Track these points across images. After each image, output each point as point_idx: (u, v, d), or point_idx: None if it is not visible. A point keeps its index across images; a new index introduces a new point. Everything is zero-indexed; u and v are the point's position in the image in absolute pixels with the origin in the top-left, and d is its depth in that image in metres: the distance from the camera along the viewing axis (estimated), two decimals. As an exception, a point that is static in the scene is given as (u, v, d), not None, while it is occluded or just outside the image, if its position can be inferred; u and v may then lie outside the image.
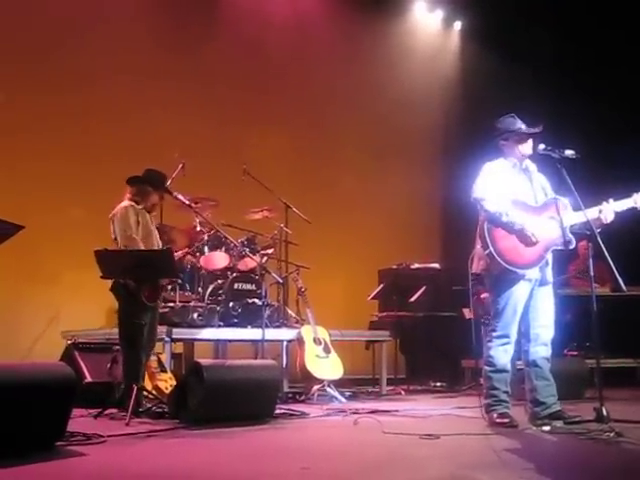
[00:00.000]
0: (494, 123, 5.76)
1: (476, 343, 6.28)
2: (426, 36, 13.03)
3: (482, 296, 7.74)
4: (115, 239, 6.44)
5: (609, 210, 5.53)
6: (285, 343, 8.41)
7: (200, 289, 8.25)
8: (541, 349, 5.55)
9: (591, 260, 5.41)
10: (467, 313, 8.75)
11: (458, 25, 13.23)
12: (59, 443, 4.46)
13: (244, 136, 10.69)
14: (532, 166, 5.79)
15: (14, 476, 3.73)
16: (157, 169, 6.81)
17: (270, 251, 8.87)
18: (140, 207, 6.58)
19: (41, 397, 4.29)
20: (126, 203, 6.53)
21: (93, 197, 8.50)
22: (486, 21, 12.12)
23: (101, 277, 6.11)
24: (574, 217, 5.50)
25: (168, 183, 7.75)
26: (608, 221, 5.52)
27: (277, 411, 6.20)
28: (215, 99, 10.63)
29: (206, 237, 8.40)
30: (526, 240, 5.43)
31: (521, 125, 5.65)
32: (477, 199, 5.52)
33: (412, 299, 9.94)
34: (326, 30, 11.72)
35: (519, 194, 5.60)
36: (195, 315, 7.84)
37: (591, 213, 5.46)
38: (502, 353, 5.56)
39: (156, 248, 6.64)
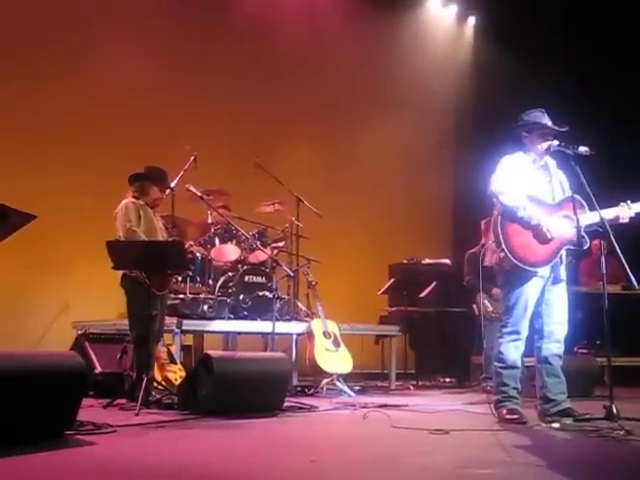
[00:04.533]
0: (520, 115, 5.70)
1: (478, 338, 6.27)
2: (440, 31, 13.00)
3: (493, 292, 7.74)
4: (119, 237, 6.46)
5: (627, 211, 5.50)
6: (295, 336, 8.42)
7: (211, 281, 8.24)
8: (554, 346, 5.53)
9: (603, 258, 5.39)
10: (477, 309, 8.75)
11: (472, 20, 13.21)
12: (69, 432, 4.47)
13: (256, 128, 10.69)
14: (552, 162, 5.74)
15: (24, 464, 3.74)
16: (156, 165, 6.85)
17: (281, 244, 8.87)
18: (142, 202, 6.62)
19: (52, 386, 4.30)
20: (126, 200, 6.60)
21: (105, 187, 8.50)
22: (500, 16, 12.07)
23: (112, 268, 6.14)
24: (590, 217, 5.45)
25: (179, 176, 7.81)
26: (624, 221, 5.49)
27: (286, 404, 6.20)
28: (228, 91, 10.63)
29: (213, 230, 8.41)
30: (541, 236, 5.40)
31: (548, 121, 5.60)
32: (494, 192, 5.49)
33: (422, 294, 9.93)
34: (339, 24, 11.68)
35: (537, 190, 5.56)
36: (205, 307, 7.85)
37: (608, 214, 5.42)
38: (513, 349, 5.54)
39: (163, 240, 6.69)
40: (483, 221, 7.90)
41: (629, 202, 5.54)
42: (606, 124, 10.62)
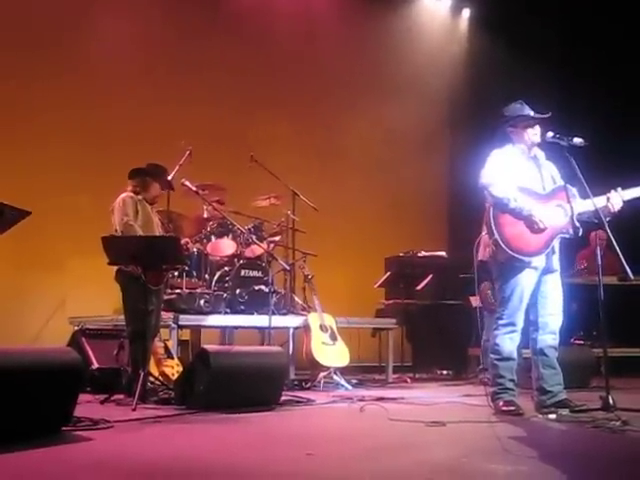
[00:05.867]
0: (501, 110, 5.74)
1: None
2: (434, 23, 12.99)
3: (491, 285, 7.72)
4: (116, 230, 6.44)
5: (617, 198, 5.51)
6: (292, 330, 8.42)
7: (207, 276, 8.25)
8: (549, 337, 5.55)
9: (599, 249, 5.40)
10: (473, 301, 8.73)
11: (467, 12, 13.19)
12: (66, 428, 4.47)
13: (252, 123, 10.67)
14: (541, 154, 5.76)
15: (21, 460, 3.75)
16: (158, 163, 6.85)
17: (277, 238, 8.88)
18: (140, 197, 6.60)
19: (48, 382, 4.30)
20: (124, 194, 6.57)
21: (100, 183, 8.50)
22: (495, 9, 12.05)
23: (108, 263, 6.13)
24: (582, 205, 5.47)
25: (175, 171, 7.80)
26: (616, 209, 5.50)
27: (283, 398, 6.20)
28: (223, 86, 10.61)
29: (209, 227, 8.40)
30: (533, 226, 5.42)
31: (529, 111, 5.64)
32: (484, 185, 5.51)
33: (419, 287, 9.94)
34: (334, 18, 11.67)
35: (527, 181, 5.58)
36: (202, 302, 7.85)
37: (599, 201, 5.43)
38: (508, 341, 5.55)
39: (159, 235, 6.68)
40: None
41: (619, 189, 5.55)
42: (600, 114, 10.62)
